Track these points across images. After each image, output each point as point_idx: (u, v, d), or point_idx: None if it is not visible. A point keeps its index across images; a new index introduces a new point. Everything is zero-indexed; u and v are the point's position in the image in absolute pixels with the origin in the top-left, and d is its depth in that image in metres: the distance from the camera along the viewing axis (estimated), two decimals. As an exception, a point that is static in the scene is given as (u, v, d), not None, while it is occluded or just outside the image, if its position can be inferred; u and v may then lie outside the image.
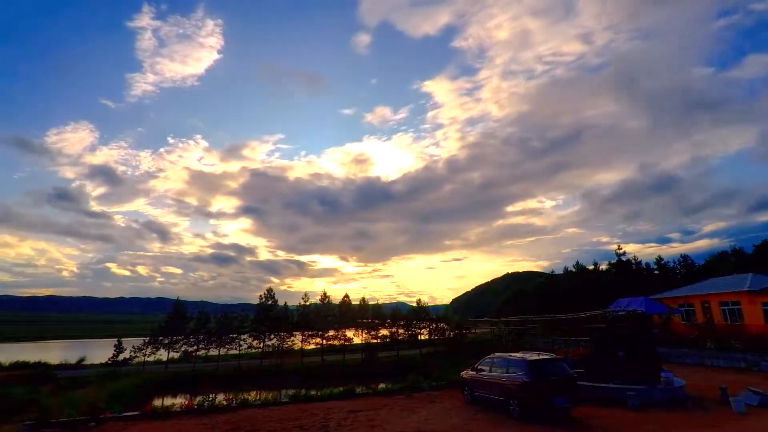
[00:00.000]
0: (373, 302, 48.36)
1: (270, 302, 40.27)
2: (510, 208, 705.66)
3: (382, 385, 19.02)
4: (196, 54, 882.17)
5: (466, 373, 15.66)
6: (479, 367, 14.79)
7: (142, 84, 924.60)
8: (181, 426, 13.18)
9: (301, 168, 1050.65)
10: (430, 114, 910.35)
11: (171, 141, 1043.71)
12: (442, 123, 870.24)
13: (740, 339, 23.93)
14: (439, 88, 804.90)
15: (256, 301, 41.53)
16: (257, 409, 15.74)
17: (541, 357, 13.10)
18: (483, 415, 13.30)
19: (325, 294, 45.32)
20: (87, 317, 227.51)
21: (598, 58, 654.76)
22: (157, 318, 54.26)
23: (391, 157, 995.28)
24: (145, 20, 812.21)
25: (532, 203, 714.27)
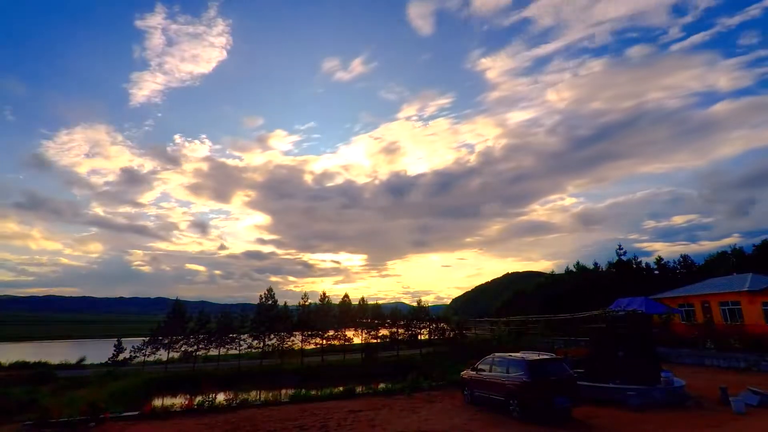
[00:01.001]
0: (382, 302, 48.38)
1: (270, 302, 40.23)
2: (535, 205, 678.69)
3: (382, 385, 19.03)
4: (215, 42, 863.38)
5: (466, 373, 15.66)
6: (479, 367, 14.79)
7: (151, 83, 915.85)
8: (181, 426, 13.18)
9: (322, 161, 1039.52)
10: (477, 98, 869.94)
11: (178, 140, 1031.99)
12: (486, 108, 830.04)
13: (740, 339, 23.93)
14: (495, 65, 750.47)
15: (256, 301, 41.55)
16: (257, 409, 15.75)
17: (541, 357, 13.10)
18: (483, 415, 13.30)
19: (324, 294, 45.25)
20: (87, 317, 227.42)
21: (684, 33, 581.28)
22: (157, 318, 54.28)
23: (424, 147, 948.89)
24: (156, 19, 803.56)
25: (561, 198, 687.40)
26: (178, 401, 17.34)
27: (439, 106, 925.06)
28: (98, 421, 13.65)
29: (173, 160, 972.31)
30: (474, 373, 14.99)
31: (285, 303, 42.61)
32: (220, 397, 16.97)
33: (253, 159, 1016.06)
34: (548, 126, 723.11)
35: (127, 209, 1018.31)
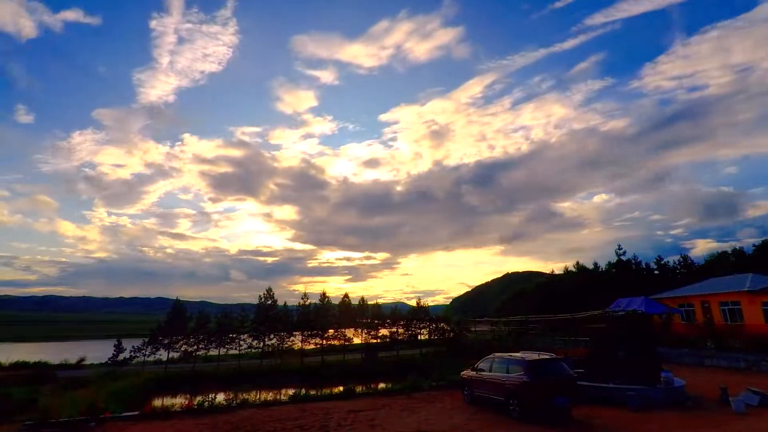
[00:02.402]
0: (388, 301, 48.38)
1: (270, 302, 40.23)
2: (566, 201, 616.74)
3: (382, 385, 19.08)
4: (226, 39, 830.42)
5: (466, 373, 15.66)
6: (479, 367, 14.79)
7: (162, 79, 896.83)
8: (181, 426, 13.18)
9: (349, 154, 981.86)
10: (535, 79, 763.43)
11: (185, 137, 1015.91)
12: (539, 91, 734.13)
13: (740, 339, 23.95)
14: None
15: (256, 301, 41.56)
16: (257, 409, 15.75)
17: (541, 357, 13.10)
18: (483, 415, 13.30)
19: (324, 294, 45.28)
20: (87, 317, 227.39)
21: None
22: (157, 318, 54.28)
23: (471, 137, 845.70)
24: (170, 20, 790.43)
25: (596, 193, 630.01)
26: (178, 401, 17.37)
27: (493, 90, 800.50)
28: (98, 421, 13.64)
29: (175, 157, 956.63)
30: (474, 373, 14.98)
31: (285, 303, 42.69)
32: (220, 397, 16.97)
33: (277, 153, 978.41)
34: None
35: (130, 209, 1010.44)
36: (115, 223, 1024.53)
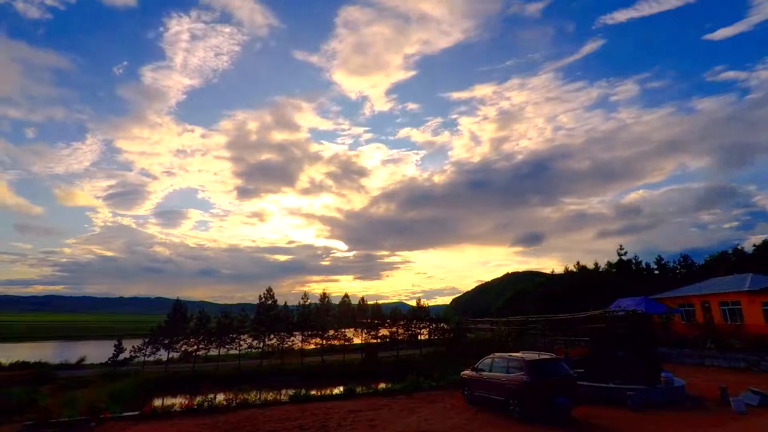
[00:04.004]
0: (385, 302, 48.50)
1: (270, 302, 40.28)
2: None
3: (382, 385, 19.05)
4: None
5: (466, 373, 15.66)
6: (479, 367, 14.80)
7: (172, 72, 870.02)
8: (181, 426, 13.18)
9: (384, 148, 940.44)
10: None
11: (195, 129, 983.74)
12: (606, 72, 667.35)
13: (740, 339, 23.94)
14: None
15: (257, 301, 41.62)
16: (257, 409, 15.74)
17: (541, 357, 13.11)
18: (483, 415, 13.30)
19: (324, 294, 45.38)
20: (86, 317, 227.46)
21: None
22: (157, 318, 54.30)
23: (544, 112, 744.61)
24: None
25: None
26: (178, 401, 17.34)
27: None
28: (98, 421, 13.64)
29: (186, 153, 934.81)
30: (474, 373, 14.99)
31: (285, 303, 42.78)
32: (220, 397, 16.95)
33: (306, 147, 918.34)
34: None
35: (132, 211, 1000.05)
36: (118, 222, 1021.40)
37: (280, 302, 50.52)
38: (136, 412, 14.85)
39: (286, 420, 13.52)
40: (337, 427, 12.35)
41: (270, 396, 19.12)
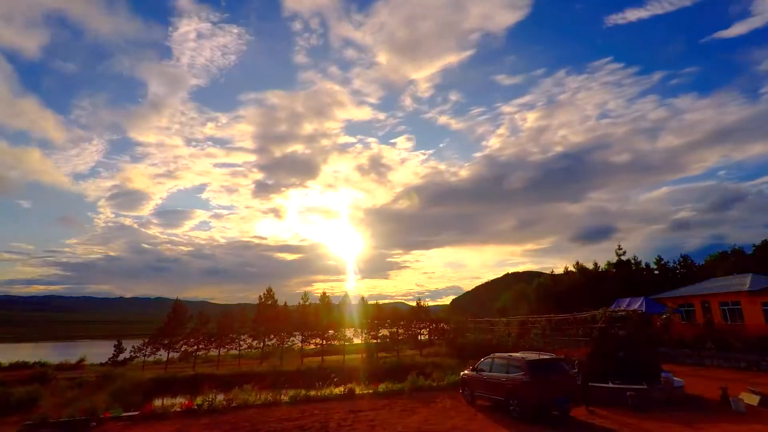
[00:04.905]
0: (386, 302, 48.48)
1: (270, 302, 40.26)
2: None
3: (382, 386, 19.00)
4: None
5: (466, 373, 15.66)
6: (479, 367, 14.79)
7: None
8: (181, 426, 13.17)
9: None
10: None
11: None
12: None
13: (740, 339, 23.93)
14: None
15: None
16: (257, 409, 15.73)
17: (541, 357, 13.10)
18: (483, 415, 13.30)
19: (324, 294, 45.30)
20: (86, 317, 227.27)
21: None
22: (157, 318, 54.32)
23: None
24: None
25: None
26: (178, 401, 17.34)
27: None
28: (98, 421, 13.65)
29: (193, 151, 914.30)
30: (474, 373, 14.98)
31: (285, 303, 42.71)
32: (220, 397, 16.95)
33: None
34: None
35: (136, 211, 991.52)
36: (120, 223, 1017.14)
37: (292, 302, 51.30)
38: (136, 413, 14.84)
39: (286, 420, 13.51)
40: (337, 428, 12.34)
41: (270, 396, 19.10)
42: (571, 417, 12.42)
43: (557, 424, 11.78)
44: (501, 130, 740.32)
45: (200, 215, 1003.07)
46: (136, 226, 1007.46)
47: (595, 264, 63.24)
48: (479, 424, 12.17)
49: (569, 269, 68.59)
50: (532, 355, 13.34)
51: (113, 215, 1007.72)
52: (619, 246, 58.89)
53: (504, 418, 12.56)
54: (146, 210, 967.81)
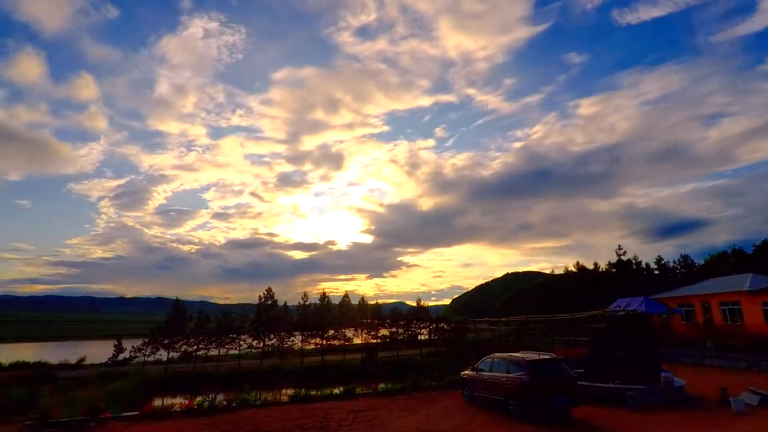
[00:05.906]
0: (386, 302, 48.57)
1: (270, 302, 40.29)
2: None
3: (382, 385, 19.03)
4: None
5: (466, 373, 15.67)
6: (479, 367, 14.80)
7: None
8: (181, 426, 13.18)
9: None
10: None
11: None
12: None
13: (740, 339, 23.96)
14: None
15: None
16: (257, 409, 15.74)
17: (541, 357, 13.11)
18: (483, 415, 13.30)
19: (324, 294, 45.40)
20: (86, 317, 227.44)
21: None
22: (157, 318, 54.32)
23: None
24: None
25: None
26: (178, 401, 17.35)
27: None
28: (98, 421, 13.64)
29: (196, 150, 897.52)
30: (474, 373, 14.99)
31: (285, 303, 42.79)
32: (220, 397, 16.95)
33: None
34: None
35: (138, 210, 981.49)
36: (121, 222, 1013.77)
37: (292, 302, 51.14)
38: (136, 412, 14.85)
39: (286, 420, 13.51)
40: (337, 428, 12.34)
41: (270, 396, 19.15)
42: (572, 417, 12.42)
43: (557, 424, 11.78)
44: (548, 117, 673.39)
45: (203, 214, 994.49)
46: (135, 224, 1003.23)
47: (595, 264, 63.36)
48: (479, 424, 12.17)
49: (569, 269, 68.72)
50: (532, 355, 13.34)
51: (116, 215, 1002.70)
52: (620, 246, 58.96)
53: (504, 418, 12.55)
54: (149, 208, 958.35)
